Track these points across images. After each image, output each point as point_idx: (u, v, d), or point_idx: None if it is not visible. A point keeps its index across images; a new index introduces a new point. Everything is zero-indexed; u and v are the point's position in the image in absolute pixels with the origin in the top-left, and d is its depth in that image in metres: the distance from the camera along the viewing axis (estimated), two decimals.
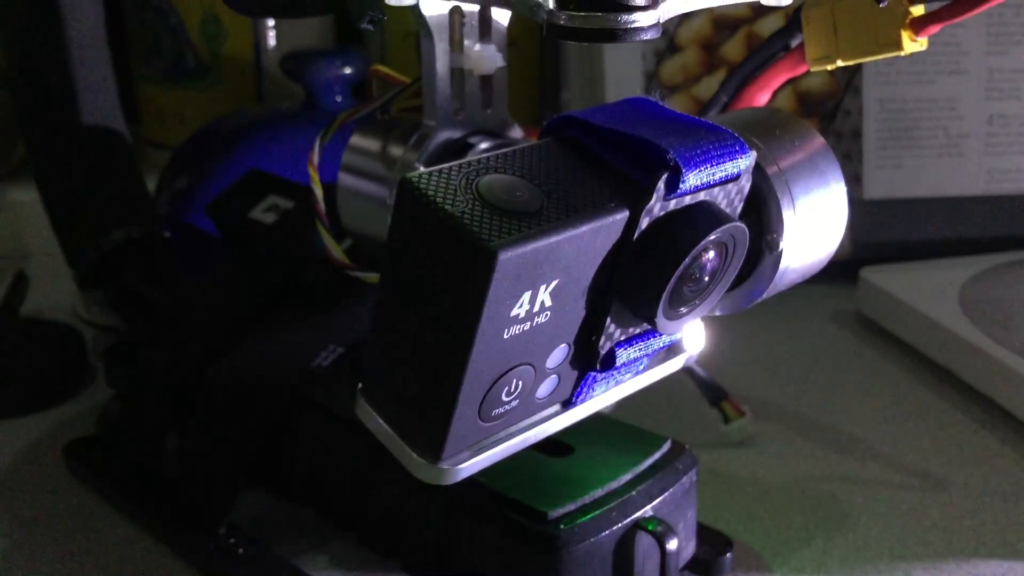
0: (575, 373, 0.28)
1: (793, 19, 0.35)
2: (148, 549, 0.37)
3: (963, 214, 0.59)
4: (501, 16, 0.34)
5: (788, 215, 0.30)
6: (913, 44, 0.33)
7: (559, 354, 0.27)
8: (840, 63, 0.34)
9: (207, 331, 0.40)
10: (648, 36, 0.26)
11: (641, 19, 0.25)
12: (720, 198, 0.28)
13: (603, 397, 0.30)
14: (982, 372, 0.47)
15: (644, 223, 0.26)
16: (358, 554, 0.36)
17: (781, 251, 0.30)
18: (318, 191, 0.33)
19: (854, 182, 0.59)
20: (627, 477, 0.33)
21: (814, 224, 0.30)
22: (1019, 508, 0.40)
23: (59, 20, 0.45)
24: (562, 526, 0.31)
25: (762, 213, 0.30)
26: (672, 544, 0.32)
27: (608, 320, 0.27)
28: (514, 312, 0.25)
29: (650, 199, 0.26)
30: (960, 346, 0.48)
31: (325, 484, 0.37)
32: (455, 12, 0.33)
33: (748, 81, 0.36)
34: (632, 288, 0.27)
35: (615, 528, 0.31)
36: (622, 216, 0.26)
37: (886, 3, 0.31)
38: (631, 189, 0.26)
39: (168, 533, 0.37)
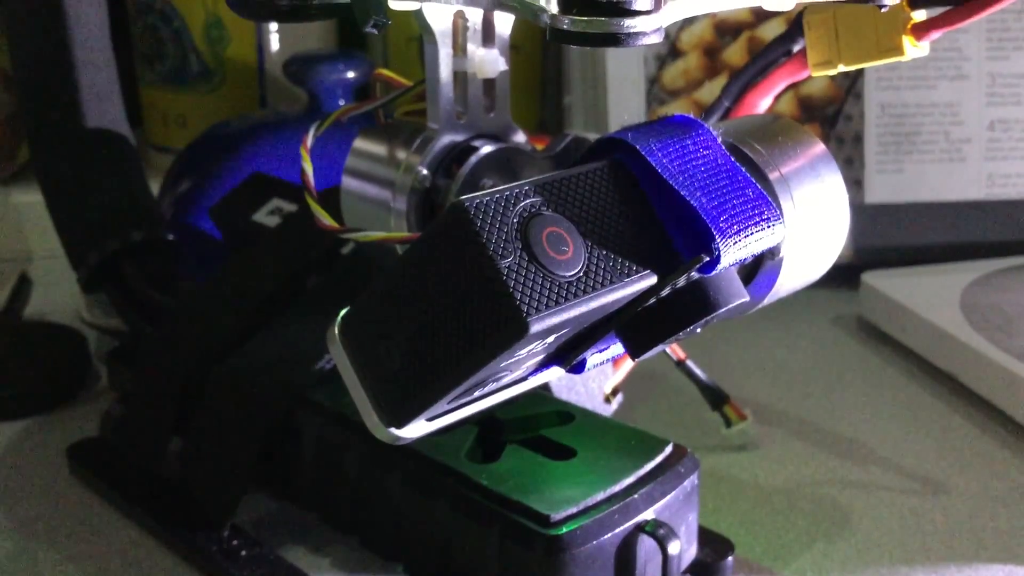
0: (540, 365, 0.29)
1: (795, 24, 0.35)
2: (151, 551, 0.37)
3: (964, 219, 0.59)
4: (504, 20, 0.34)
5: (790, 222, 0.30)
6: (914, 49, 0.33)
7: (536, 361, 0.28)
8: (842, 68, 0.35)
9: (210, 334, 0.40)
10: (650, 40, 0.26)
11: (643, 24, 0.25)
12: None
13: (552, 373, 0.31)
14: (983, 376, 0.47)
15: (665, 291, 0.27)
16: (360, 557, 0.36)
17: (782, 258, 0.30)
18: (308, 168, 0.34)
19: (855, 187, 0.59)
20: (629, 480, 0.33)
21: (816, 230, 0.30)
22: (1020, 512, 0.40)
23: (64, 24, 0.46)
24: (564, 529, 0.31)
25: None
26: (674, 547, 0.32)
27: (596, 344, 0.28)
28: (518, 354, 0.26)
29: (682, 276, 0.27)
30: (961, 350, 0.48)
31: (328, 486, 0.37)
32: (458, 16, 0.33)
33: (750, 86, 0.37)
34: (630, 332, 0.28)
35: (617, 531, 0.31)
36: (649, 283, 0.27)
37: (887, 8, 0.31)
38: (667, 260, 0.27)
39: (171, 535, 0.37)
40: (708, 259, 0.27)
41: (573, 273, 0.25)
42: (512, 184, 0.26)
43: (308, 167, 0.34)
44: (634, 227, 0.27)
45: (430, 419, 0.28)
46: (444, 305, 0.26)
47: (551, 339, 0.26)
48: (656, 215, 0.27)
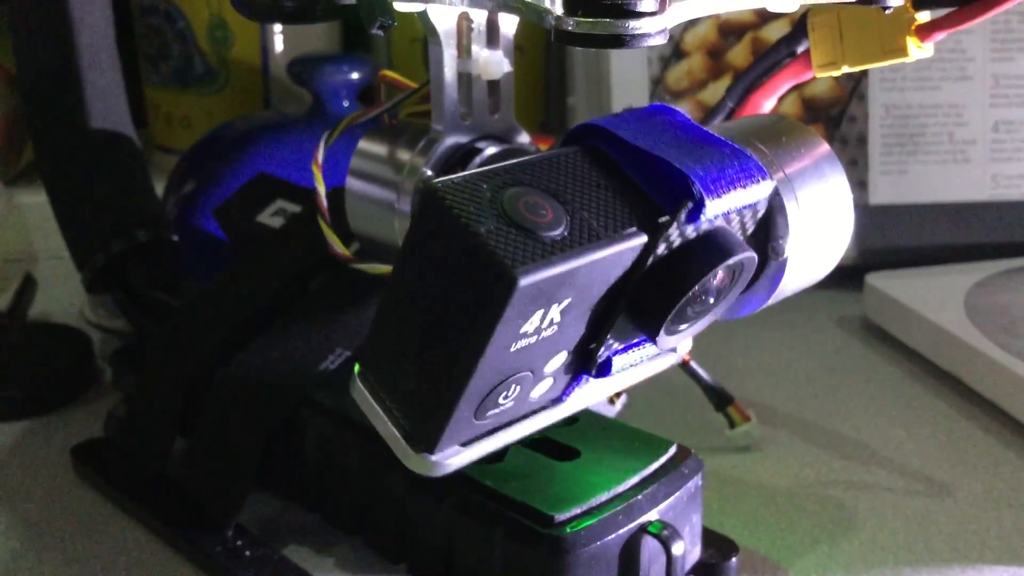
0: (569, 375, 0.29)
1: (799, 25, 0.35)
2: (155, 552, 0.37)
3: (968, 220, 0.59)
4: (508, 22, 0.34)
5: (794, 221, 0.30)
6: (919, 50, 0.33)
7: (558, 361, 0.28)
8: (846, 69, 0.35)
9: (215, 335, 0.40)
10: (655, 42, 0.26)
11: (648, 25, 0.25)
12: (735, 223, 0.28)
13: (590, 393, 0.30)
14: (987, 378, 0.47)
15: (661, 248, 0.27)
16: (364, 557, 0.36)
17: (786, 258, 0.30)
18: (321, 189, 0.34)
19: (859, 188, 0.59)
20: (633, 481, 0.33)
21: (819, 230, 0.30)
22: None
23: (69, 25, 0.46)
24: (568, 529, 0.31)
25: (767, 219, 0.30)
26: (678, 548, 0.32)
27: (611, 335, 0.28)
28: (523, 329, 0.25)
29: (670, 228, 0.26)
30: (965, 352, 0.48)
31: (332, 487, 0.37)
32: (463, 18, 0.33)
33: (754, 87, 0.37)
34: (640, 307, 0.27)
35: (621, 532, 0.31)
36: (640, 242, 0.26)
37: (891, 10, 0.31)
38: (653, 215, 0.27)
39: (175, 536, 0.37)
40: (692, 204, 0.26)
41: (556, 233, 0.25)
42: (484, 168, 0.26)
43: (321, 187, 0.33)
44: (614, 195, 0.27)
45: (465, 443, 0.27)
46: (438, 294, 0.25)
47: (556, 316, 0.25)
48: (635, 183, 0.27)
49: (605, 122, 0.28)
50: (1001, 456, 0.44)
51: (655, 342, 0.28)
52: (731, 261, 0.27)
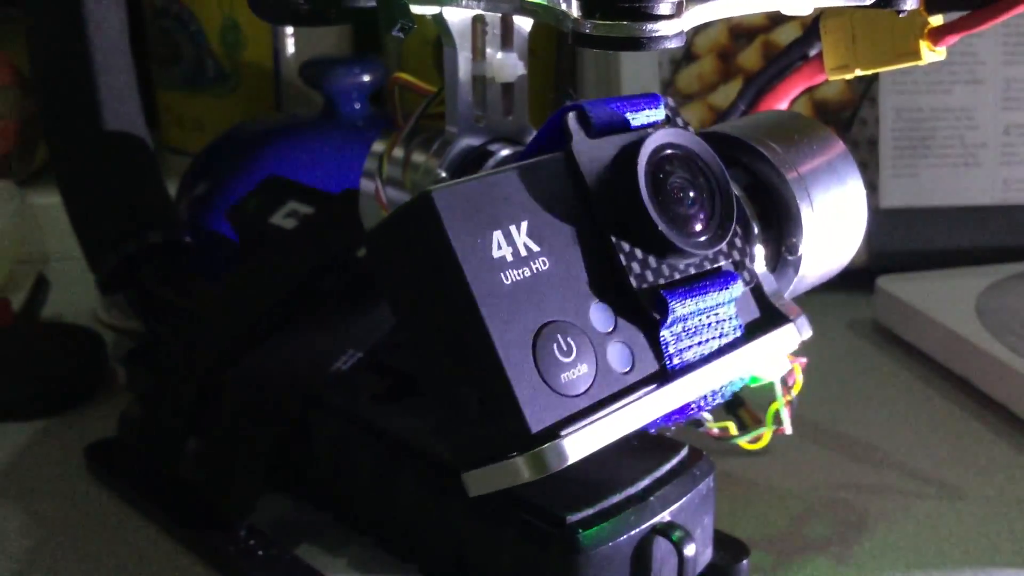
0: (641, 336, 0.27)
1: (811, 28, 0.35)
2: (168, 551, 0.37)
3: (979, 223, 0.59)
4: (523, 24, 0.34)
5: (808, 220, 0.30)
6: (932, 54, 0.33)
7: (601, 314, 0.27)
8: (859, 72, 0.35)
9: (227, 335, 0.40)
10: (672, 45, 0.26)
11: (665, 28, 0.26)
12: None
13: (713, 372, 0.29)
14: (998, 381, 0.47)
15: (584, 161, 0.27)
16: (376, 557, 0.37)
17: (801, 256, 0.30)
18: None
19: (870, 191, 0.59)
20: (645, 482, 0.33)
21: (833, 228, 0.31)
22: None
23: (83, 28, 0.46)
24: (580, 530, 0.31)
25: (782, 218, 0.30)
26: (689, 550, 0.32)
27: (624, 260, 0.27)
28: (496, 254, 0.26)
29: (571, 139, 0.27)
30: (976, 355, 0.48)
31: (344, 488, 0.37)
32: (478, 20, 0.33)
33: (766, 90, 0.37)
34: (621, 217, 0.27)
35: (633, 533, 0.31)
36: (556, 157, 0.27)
37: (905, 13, 0.31)
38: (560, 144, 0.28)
39: (188, 535, 0.37)
40: (573, 112, 0.27)
41: (475, 176, 0.27)
42: None
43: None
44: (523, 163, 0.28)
45: (570, 423, 0.26)
46: (421, 297, 0.26)
47: (530, 242, 0.26)
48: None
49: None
50: (1012, 459, 0.43)
51: (671, 247, 0.27)
52: (664, 132, 0.28)
